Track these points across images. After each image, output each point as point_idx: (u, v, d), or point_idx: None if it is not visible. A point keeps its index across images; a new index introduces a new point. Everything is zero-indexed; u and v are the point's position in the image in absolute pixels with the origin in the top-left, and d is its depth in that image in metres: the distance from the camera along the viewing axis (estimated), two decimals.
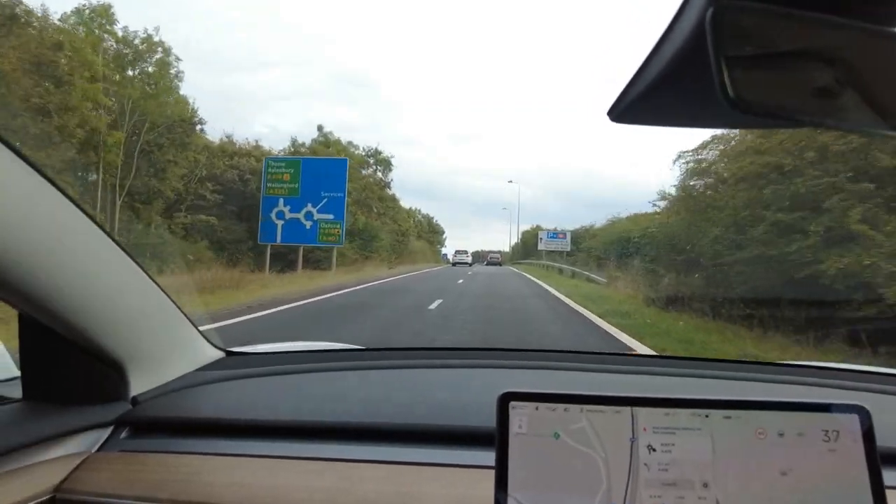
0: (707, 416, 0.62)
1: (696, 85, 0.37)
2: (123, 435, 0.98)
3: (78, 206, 0.78)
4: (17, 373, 0.95)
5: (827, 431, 0.61)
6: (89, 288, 0.84)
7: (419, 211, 72.65)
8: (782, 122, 0.40)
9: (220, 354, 1.28)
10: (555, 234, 42.06)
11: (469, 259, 57.18)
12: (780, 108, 0.36)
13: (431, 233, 77.59)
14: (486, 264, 62.14)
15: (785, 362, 1.56)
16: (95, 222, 0.82)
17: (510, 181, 59.09)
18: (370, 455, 0.91)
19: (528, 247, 58.03)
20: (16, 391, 0.92)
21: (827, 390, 1.19)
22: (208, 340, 1.25)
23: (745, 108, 0.35)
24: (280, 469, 0.89)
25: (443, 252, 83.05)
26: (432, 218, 79.71)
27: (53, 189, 0.74)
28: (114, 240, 0.87)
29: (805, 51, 0.34)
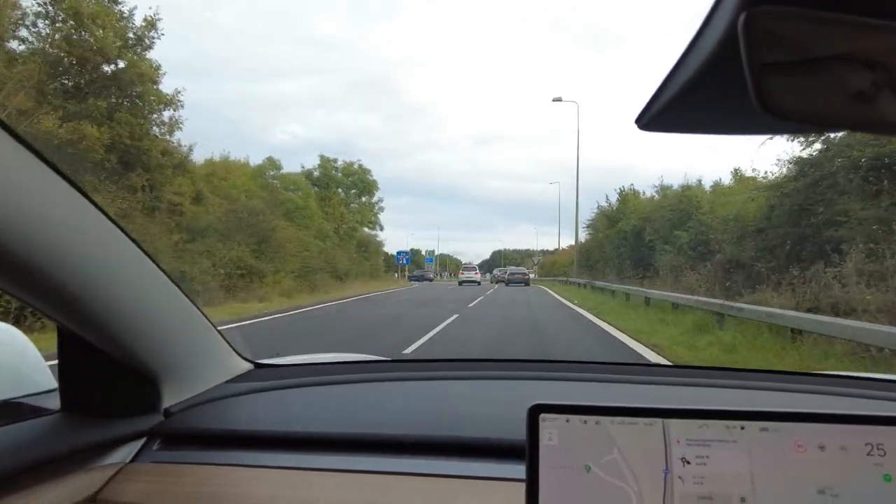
0: (742, 429, 0.61)
1: (727, 91, 0.36)
2: (156, 446, 1.00)
3: (111, 219, 0.80)
4: (56, 385, 0.98)
5: (871, 445, 0.59)
6: (125, 300, 0.86)
7: None
8: (818, 128, 0.39)
9: (249, 366, 1.29)
10: None
11: (478, 277, 44.05)
12: (816, 114, 0.35)
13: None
14: (494, 281, 46.86)
15: (819, 372, 1.52)
16: (128, 235, 0.84)
17: (557, 98, 33.14)
18: (401, 467, 0.91)
19: None
20: (54, 403, 0.94)
21: (865, 401, 1.15)
22: (237, 352, 1.27)
23: (780, 114, 0.34)
24: (311, 481, 0.89)
25: (397, 255, 50.49)
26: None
27: (88, 203, 0.76)
28: (145, 252, 0.89)
29: (842, 55, 0.34)
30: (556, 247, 61.80)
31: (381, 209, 45.22)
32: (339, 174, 41.57)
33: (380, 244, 45.71)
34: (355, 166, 42.25)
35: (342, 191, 41.32)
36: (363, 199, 43.59)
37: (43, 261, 0.70)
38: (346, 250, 33.76)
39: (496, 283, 46.40)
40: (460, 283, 40.74)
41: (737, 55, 0.33)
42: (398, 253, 51.98)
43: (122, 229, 0.82)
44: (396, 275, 49.90)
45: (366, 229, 42.69)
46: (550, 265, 52.76)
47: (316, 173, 40.06)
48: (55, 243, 0.71)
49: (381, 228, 45.53)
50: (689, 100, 0.40)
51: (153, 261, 0.91)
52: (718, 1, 0.34)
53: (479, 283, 40.87)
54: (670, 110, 0.42)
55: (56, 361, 0.93)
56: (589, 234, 36.78)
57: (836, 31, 0.33)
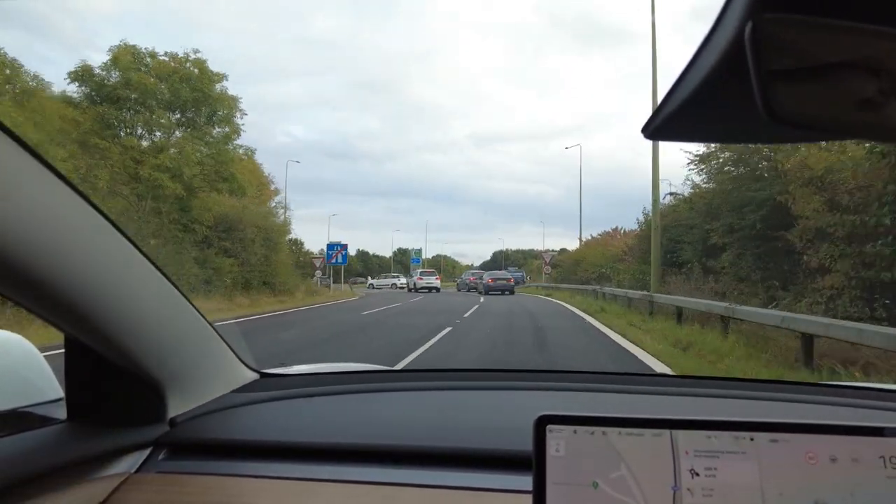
0: (752, 440, 0.60)
1: (734, 100, 0.36)
2: (161, 456, 1.00)
3: (118, 228, 0.81)
4: (63, 394, 0.98)
5: (884, 457, 0.58)
6: (131, 309, 0.87)
7: None
8: (826, 135, 0.39)
9: (254, 376, 1.29)
10: None
11: (438, 283, 36.00)
12: (823, 122, 0.35)
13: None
14: (463, 290, 37.90)
15: (830, 383, 1.50)
16: (134, 244, 0.85)
17: None
18: (407, 478, 0.90)
19: None
20: (60, 412, 0.94)
21: (879, 413, 1.14)
22: (243, 362, 1.27)
23: (787, 122, 0.34)
24: (316, 492, 0.88)
25: (328, 249, 29.69)
26: None
27: (93, 210, 0.76)
28: (151, 261, 0.89)
29: (849, 62, 0.34)
30: (579, 238, 41.53)
31: (251, 153, 23.77)
32: (153, 78, 19.47)
33: (282, 228, 24.32)
34: (187, 65, 20.45)
35: (155, 105, 19.52)
36: (214, 129, 20.95)
37: (47, 269, 0.70)
38: (143, 233, 16.07)
39: (465, 290, 37.15)
40: (414, 289, 33.17)
41: (743, 63, 0.33)
42: (329, 246, 30.05)
43: (127, 238, 0.83)
44: (335, 282, 31.37)
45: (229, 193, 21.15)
46: (573, 265, 34.07)
47: (109, 76, 19.19)
48: (60, 251, 0.72)
49: (244, 193, 22.47)
50: (696, 108, 0.40)
51: (159, 270, 0.91)
52: (725, 9, 0.34)
53: (438, 290, 34.21)
54: (677, 119, 0.41)
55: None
56: (705, 180, 16.26)
57: (842, 39, 0.33)
